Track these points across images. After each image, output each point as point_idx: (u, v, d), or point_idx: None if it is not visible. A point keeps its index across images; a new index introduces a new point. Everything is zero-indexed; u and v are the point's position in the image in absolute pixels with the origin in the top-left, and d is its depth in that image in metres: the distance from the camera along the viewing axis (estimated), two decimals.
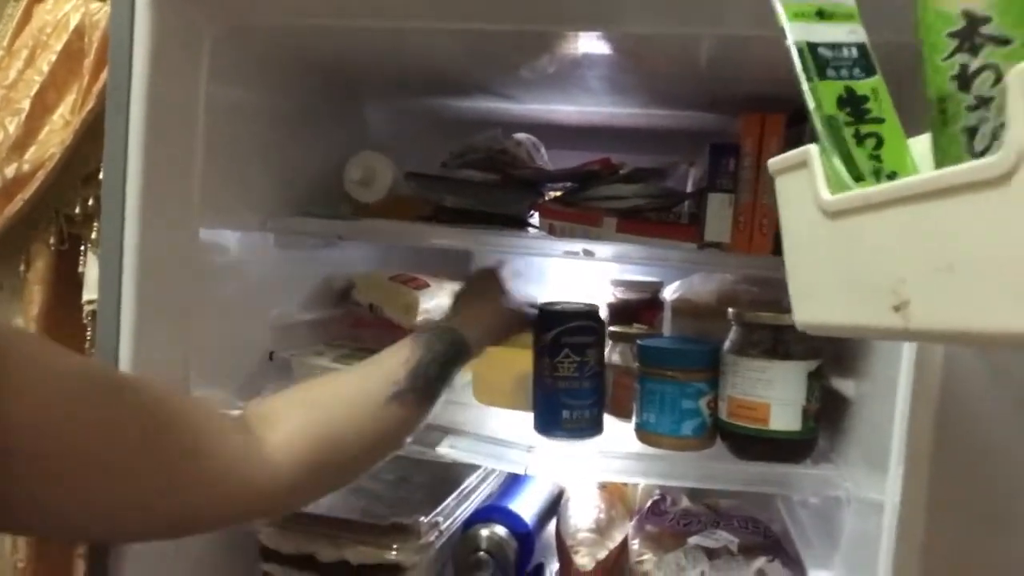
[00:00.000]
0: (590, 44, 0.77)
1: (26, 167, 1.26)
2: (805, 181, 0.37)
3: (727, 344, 0.79)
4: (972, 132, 0.32)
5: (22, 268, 1.33)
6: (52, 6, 1.29)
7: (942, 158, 0.34)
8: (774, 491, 0.75)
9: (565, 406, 0.79)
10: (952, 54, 0.32)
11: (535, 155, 1.00)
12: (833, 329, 0.39)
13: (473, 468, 1.02)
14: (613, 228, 0.83)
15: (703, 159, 0.93)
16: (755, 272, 0.86)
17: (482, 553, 0.87)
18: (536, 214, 0.88)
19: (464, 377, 1.02)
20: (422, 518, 0.84)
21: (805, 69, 0.37)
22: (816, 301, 0.39)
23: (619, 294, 1.04)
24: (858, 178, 0.36)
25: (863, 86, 0.37)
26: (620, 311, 1.02)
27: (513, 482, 1.02)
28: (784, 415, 0.75)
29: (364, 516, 0.86)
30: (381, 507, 0.89)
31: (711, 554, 0.84)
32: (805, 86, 0.36)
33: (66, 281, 1.32)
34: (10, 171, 1.25)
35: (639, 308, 1.02)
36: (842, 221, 0.35)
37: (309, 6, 0.71)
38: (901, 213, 0.31)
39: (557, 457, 0.79)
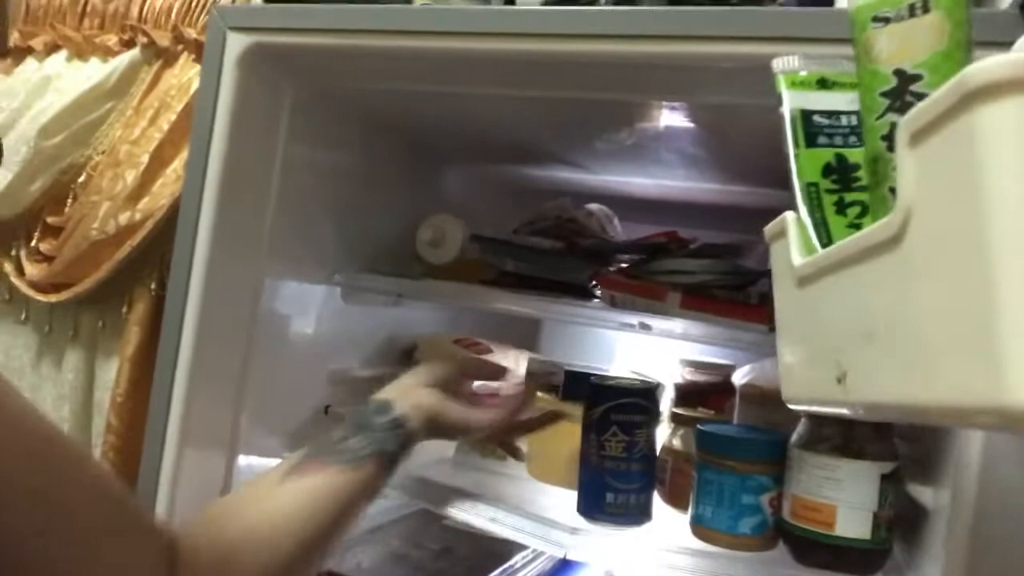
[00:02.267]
0: (668, 116, 0.76)
1: (138, 216, 1.35)
2: (784, 249, 0.36)
3: (794, 437, 0.73)
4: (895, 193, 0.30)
5: (124, 309, 1.41)
6: (179, 71, 1.40)
7: (873, 221, 0.32)
8: None
9: (610, 488, 0.75)
10: (884, 113, 0.31)
11: (607, 226, 0.99)
12: (807, 405, 0.36)
13: (521, 546, 0.98)
14: (677, 304, 0.80)
15: None
16: None
17: None
18: (598, 285, 0.86)
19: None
20: None
21: (794, 136, 0.35)
22: (792, 374, 0.36)
23: (687, 375, 0.99)
24: (827, 246, 0.33)
25: (857, 154, 0.35)
26: (687, 393, 0.97)
27: (562, 567, 0.97)
28: (852, 520, 0.67)
29: None
30: None
31: None
32: (791, 152, 0.35)
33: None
34: (124, 219, 1.35)
35: (708, 391, 0.96)
36: (806, 289, 0.33)
37: (386, 72, 0.74)
38: (834, 280, 0.30)
39: (603, 543, 0.75)
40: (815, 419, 0.72)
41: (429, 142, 0.97)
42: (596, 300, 0.86)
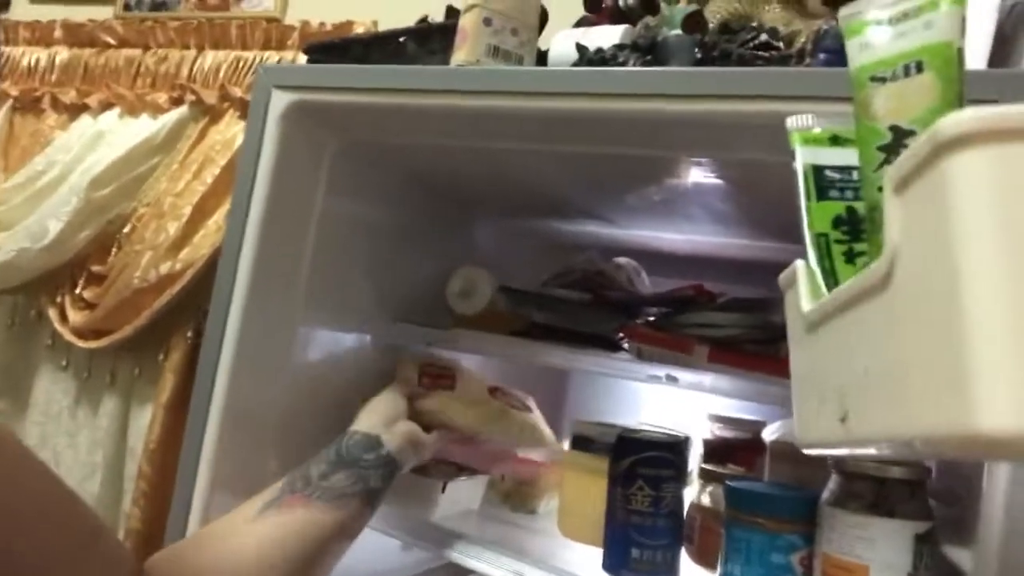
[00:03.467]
0: (696, 172, 0.77)
1: (178, 265, 1.40)
2: (795, 296, 0.37)
3: (825, 494, 0.72)
4: None
5: (161, 357, 1.45)
6: (224, 127, 1.47)
7: None
8: None
9: (635, 543, 0.74)
10: (880, 166, 0.33)
11: (635, 279, 1.00)
12: (817, 447, 0.37)
13: None
14: (704, 357, 0.79)
15: None
16: None
17: None
18: (626, 337, 0.87)
19: (553, 502, 0.98)
20: None
21: (806, 189, 0.37)
22: (804, 419, 0.37)
23: (717, 430, 0.98)
24: None
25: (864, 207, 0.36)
26: (716, 449, 0.95)
27: None
28: None
29: None
30: None
31: None
32: (803, 204, 0.36)
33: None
34: (165, 268, 1.40)
35: (737, 448, 0.95)
36: (815, 334, 0.35)
37: (422, 128, 0.77)
38: (837, 323, 0.32)
39: None
40: (846, 475, 0.70)
41: (462, 195, 0.99)
42: (623, 352, 0.86)
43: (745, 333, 0.81)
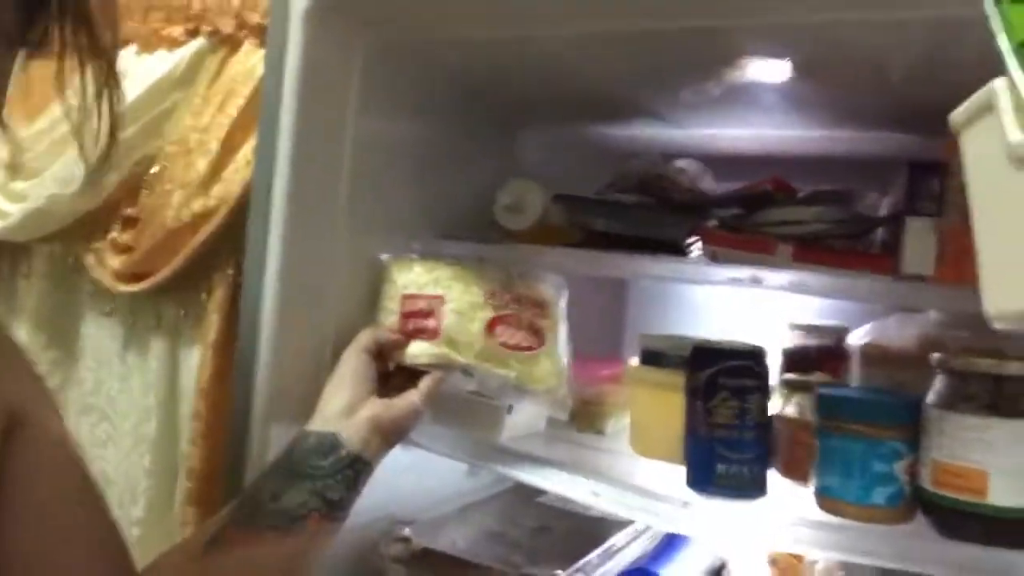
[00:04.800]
0: (758, 49, 0.69)
1: (212, 203, 1.35)
2: (992, 128, 0.29)
3: (931, 397, 0.66)
4: None
5: (204, 296, 1.42)
6: (243, 57, 1.39)
7: None
8: None
9: (721, 459, 0.69)
10: None
11: (700, 182, 0.92)
12: None
13: (621, 525, 0.93)
14: (789, 257, 0.73)
15: (895, 187, 0.80)
16: (966, 309, 0.71)
17: None
18: (698, 241, 0.80)
19: (622, 422, 0.94)
20: (559, 572, 0.76)
21: None
22: (1013, 281, 0.29)
23: (797, 339, 0.91)
24: None
25: None
26: (798, 359, 0.89)
27: (666, 546, 0.91)
28: (1008, 487, 0.60)
29: (498, 563, 0.80)
30: (518, 555, 0.83)
31: None
32: (991, 10, 0.28)
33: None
34: (197, 206, 1.35)
35: (821, 356, 0.89)
36: None
37: (460, 16, 0.69)
38: None
39: (716, 517, 0.69)
40: (958, 375, 0.64)
41: (505, 103, 0.92)
42: (695, 257, 0.80)
43: (831, 228, 0.74)
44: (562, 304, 0.80)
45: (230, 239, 1.37)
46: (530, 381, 0.75)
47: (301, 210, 0.73)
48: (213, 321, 1.38)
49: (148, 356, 1.47)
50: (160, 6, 1.46)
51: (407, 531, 0.84)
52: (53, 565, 0.48)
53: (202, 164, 1.35)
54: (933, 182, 0.69)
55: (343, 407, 0.65)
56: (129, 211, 1.44)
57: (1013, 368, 0.62)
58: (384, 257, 0.78)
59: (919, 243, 0.68)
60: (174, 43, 1.43)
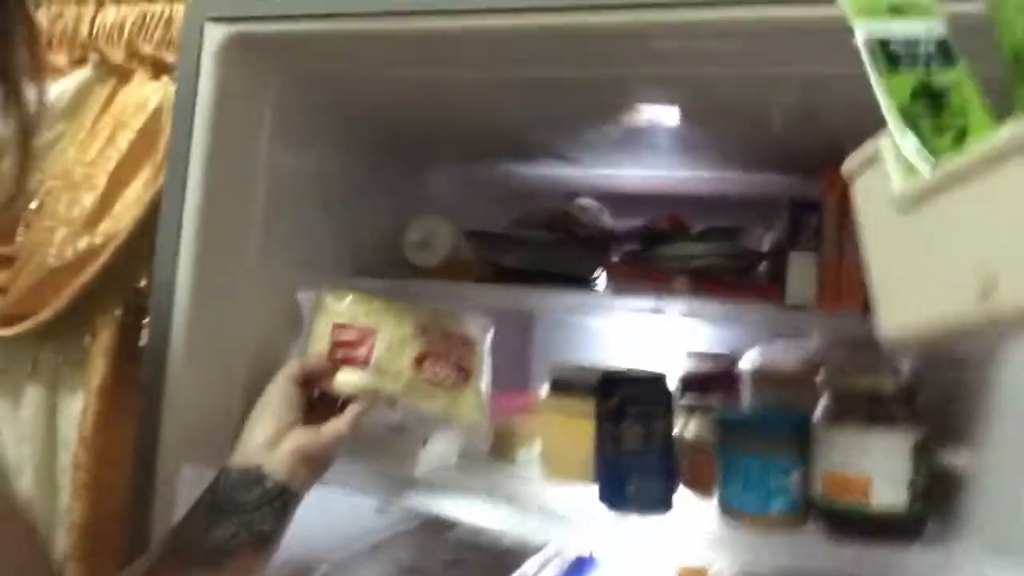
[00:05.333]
0: (655, 96, 0.75)
1: (98, 240, 1.28)
2: (877, 176, 0.34)
3: (818, 413, 0.72)
4: None
5: (87, 340, 1.34)
6: (135, 89, 1.35)
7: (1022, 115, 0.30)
8: None
9: (630, 481, 0.72)
10: None
11: (599, 220, 0.97)
12: (921, 336, 0.35)
13: (531, 553, 0.95)
14: (685, 288, 0.78)
15: (778, 223, 0.88)
16: (845, 333, 0.79)
17: None
18: (603, 274, 0.84)
19: (532, 450, 0.96)
20: None
21: (875, 62, 0.34)
22: (900, 308, 0.35)
23: (693, 366, 0.97)
24: (935, 166, 0.32)
25: (943, 79, 0.34)
26: (693, 383, 0.95)
27: (576, 572, 0.94)
28: (888, 491, 0.66)
29: None
30: None
31: None
32: (874, 80, 0.34)
33: (128, 353, 1.32)
34: (82, 244, 1.28)
35: (714, 380, 0.95)
36: (917, 211, 0.32)
37: (371, 58, 0.71)
38: (977, 184, 0.28)
39: (629, 532, 0.72)
40: (840, 393, 0.70)
41: (415, 140, 0.94)
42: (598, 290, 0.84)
43: (722, 262, 0.80)
44: (487, 343, 0.82)
45: (116, 278, 1.31)
46: (455, 416, 0.77)
47: (212, 244, 0.72)
48: (98, 365, 1.31)
49: (21, 405, 1.37)
50: (44, 33, 1.40)
51: (321, 570, 0.82)
52: None
53: (88, 200, 1.28)
54: (812, 219, 0.76)
55: (267, 438, 0.64)
56: (3, 250, 1.35)
57: (887, 385, 0.69)
58: (316, 290, 0.78)
59: (801, 275, 0.75)
60: (58, 72, 1.37)
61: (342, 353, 0.74)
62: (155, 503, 0.68)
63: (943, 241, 0.30)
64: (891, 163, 0.33)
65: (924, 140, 0.32)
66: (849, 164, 0.38)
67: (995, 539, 0.60)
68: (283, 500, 0.62)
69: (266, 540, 0.60)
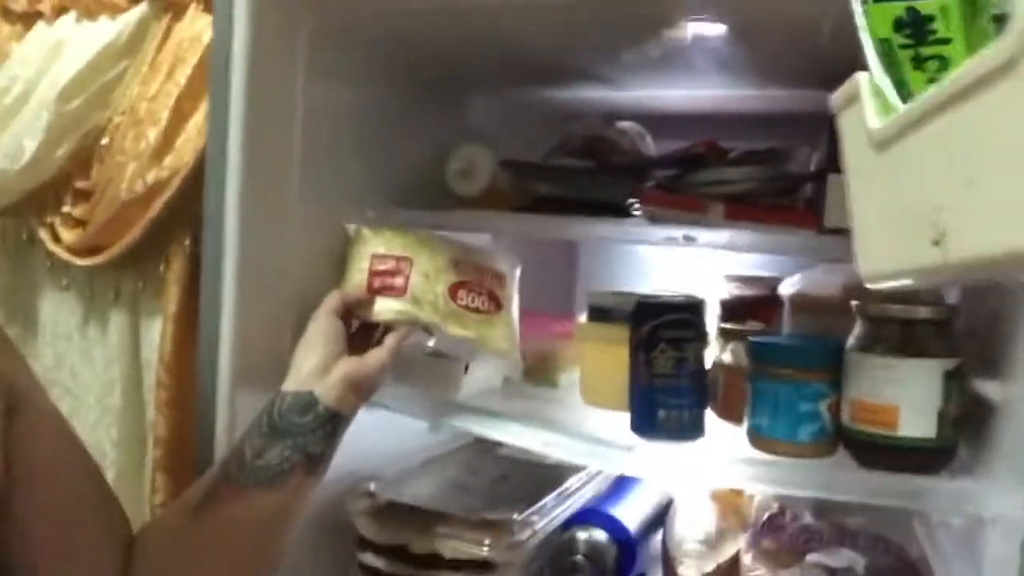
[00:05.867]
0: (700, 8, 0.72)
1: (164, 173, 1.35)
2: (857, 114, 0.33)
3: (851, 341, 0.71)
4: (1000, 21, 0.27)
5: (162, 268, 1.42)
6: (189, 23, 1.37)
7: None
8: (903, 505, 0.66)
9: (662, 405, 0.74)
10: None
11: (640, 144, 0.96)
12: (891, 278, 0.34)
13: (576, 470, 0.99)
14: (721, 215, 0.77)
15: (822, 143, 0.84)
16: None
17: (579, 557, 0.83)
18: (638, 202, 0.84)
19: (574, 375, 0.99)
20: (515, 515, 0.82)
21: None
22: (874, 247, 0.34)
23: (733, 290, 0.97)
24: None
25: (928, 5, 0.32)
26: (734, 308, 0.95)
27: (617, 487, 0.98)
28: (916, 420, 0.66)
29: (460, 510, 0.85)
30: (479, 503, 0.87)
31: (833, 574, 0.76)
32: (858, 9, 0.32)
33: (200, 281, 1.39)
34: (150, 178, 1.35)
35: (755, 305, 0.94)
36: (888, 151, 0.31)
37: None
38: (932, 129, 0.27)
39: (659, 459, 0.74)
40: (873, 321, 0.70)
41: (451, 70, 0.94)
42: (635, 218, 0.84)
43: (760, 186, 0.79)
44: (516, 278, 0.84)
45: (185, 210, 1.37)
46: (487, 343, 0.80)
47: (256, 180, 0.75)
48: (172, 292, 1.39)
49: (108, 329, 1.48)
50: None
51: (372, 486, 0.88)
52: (66, 529, 0.53)
53: (152, 134, 1.34)
54: None
55: (316, 366, 0.68)
56: (81, 184, 1.43)
57: (921, 312, 0.67)
58: (355, 225, 0.81)
59: (840, 198, 0.73)
60: (116, 9, 1.41)
61: (380, 283, 0.77)
62: (216, 424, 0.74)
63: (907, 184, 0.30)
64: (868, 101, 0.32)
65: (902, 75, 0.31)
66: (834, 99, 0.37)
67: (1021, 470, 0.59)
68: (333, 424, 0.66)
69: (316, 462, 0.65)
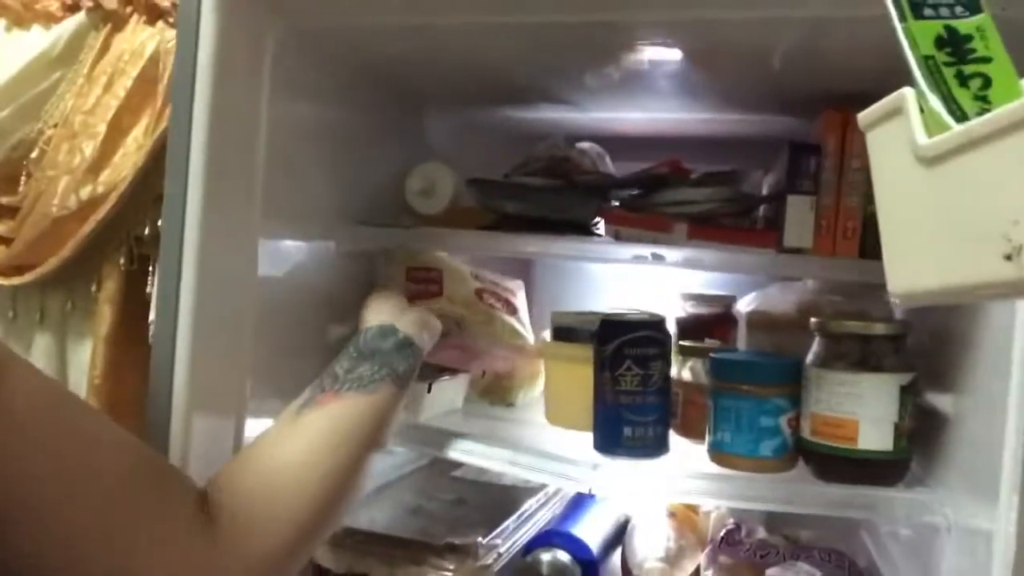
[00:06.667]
0: (655, 38, 0.74)
1: (100, 189, 1.29)
2: (899, 129, 0.34)
3: (810, 357, 0.74)
4: None
5: (93, 288, 1.35)
6: (130, 35, 1.33)
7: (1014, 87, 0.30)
8: (862, 516, 0.68)
9: (627, 422, 0.75)
10: None
11: (600, 164, 0.97)
12: (934, 295, 0.35)
13: (533, 492, 0.98)
14: (684, 234, 0.79)
15: (777, 166, 0.88)
16: (840, 278, 0.80)
17: None
18: (601, 221, 0.85)
19: (529, 394, 0.99)
20: (479, 539, 0.80)
21: (898, 8, 0.33)
22: (914, 264, 0.35)
23: (689, 308, 0.99)
24: (961, 119, 0.32)
25: (967, 25, 0.34)
26: (691, 326, 0.97)
27: (576, 507, 0.97)
28: (874, 433, 0.68)
29: (419, 535, 0.83)
30: (438, 527, 0.86)
31: None
32: (898, 27, 0.33)
33: (135, 301, 1.34)
34: (85, 193, 1.29)
35: (711, 323, 0.96)
36: (942, 166, 0.32)
37: (369, 4, 0.71)
38: (1009, 145, 0.28)
39: (624, 476, 0.75)
40: (831, 337, 0.72)
41: (415, 87, 0.93)
42: (601, 236, 0.85)
43: (721, 207, 0.81)
44: (523, 291, 0.99)
45: (120, 227, 1.32)
46: (510, 338, 0.89)
47: (219, 195, 0.72)
48: (105, 313, 1.33)
49: (32, 353, 1.40)
50: None
51: None
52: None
53: (89, 148, 1.28)
54: (811, 162, 0.77)
55: (391, 310, 0.75)
56: (6, 200, 1.35)
57: (877, 329, 0.70)
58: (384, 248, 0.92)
59: (798, 219, 0.76)
60: (50, 18, 1.35)
61: (418, 288, 0.87)
62: (169, 452, 0.71)
63: (968, 199, 0.30)
64: (915, 117, 0.33)
65: (950, 91, 0.32)
66: (866, 116, 0.37)
67: (974, 480, 0.62)
68: (412, 351, 0.72)
69: (402, 377, 0.69)
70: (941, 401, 0.72)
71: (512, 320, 0.92)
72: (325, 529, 0.64)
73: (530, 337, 0.95)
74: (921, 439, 0.72)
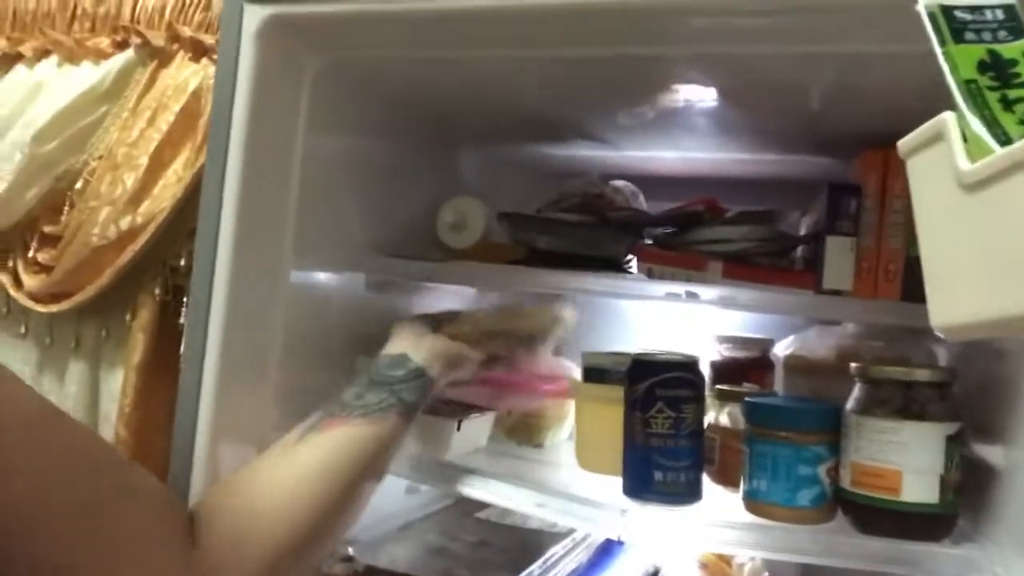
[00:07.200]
0: (691, 76, 0.73)
1: (139, 220, 1.31)
2: (940, 155, 0.32)
3: (850, 403, 0.71)
4: None
5: (128, 317, 1.37)
6: (175, 71, 1.37)
7: None
8: (905, 572, 0.64)
9: (657, 466, 0.72)
10: None
11: (633, 202, 0.96)
12: (978, 327, 0.32)
13: (558, 537, 0.96)
14: (719, 273, 0.77)
15: (815, 206, 0.86)
16: (881, 321, 0.77)
17: None
18: (634, 259, 0.84)
19: (558, 436, 0.96)
20: None
21: (938, 33, 0.33)
22: (957, 295, 0.33)
23: (725, 351, 0.96)
24: (1006, 143, 0.30)
25: (1011, 50, 0.32)
26: (726, 370, 0.94)
27: (603, 554, 0.94)
28: (919, 485, 0.65)
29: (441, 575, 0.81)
30: (461, 569, 0.84)
31: None
32: (938, 51, 0.32)
33: (168, 331, 1.35)
34: (124, 223, 1.31)
35: (747, 367, 0.94)
36: (984, 192, 0.30)
37: (406, 39, 0.71)
38: None
39: (653, 522, 0.72)
40: (873, 383, 0.69)
41: (449, 122, 0.94)
42: (634, 274, 0.84)
43: (757, 246, 0.79)
44: None
45: (156, 258, 1.34)
46: (542, 329, 0.85)
47: (250, 227, 0.73)
48: (138, 342, 1.34)
49: (65, 380, 1.41)
50: (86, 16, 1.42)
51: (350, 550, 0.83)
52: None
53: (130, 180, 1.31)
54: (851, 203, 0.75)
55: (410, 340, 0.74)
56: (49, 229, 1.38)
57: (921, 375, 0.67)
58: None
59: (838, 260, 0.74)
60: (101, 55, 1.40)
61: None
62: (192, 481, 0.70)
63: (1012, 225, 0.28)
64: (956, 142, 0.32)
65: (993, 116, 0.31)
66: (906, 143, 0.36)
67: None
68: (422, 381, 0.71)
69: (408, 408, 0.69)
70: (991, 453, 0.68)
71: (540, 309, 0.88)
72: (313, 555, 0.63)
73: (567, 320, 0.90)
74: (969, 493, 0.68)
